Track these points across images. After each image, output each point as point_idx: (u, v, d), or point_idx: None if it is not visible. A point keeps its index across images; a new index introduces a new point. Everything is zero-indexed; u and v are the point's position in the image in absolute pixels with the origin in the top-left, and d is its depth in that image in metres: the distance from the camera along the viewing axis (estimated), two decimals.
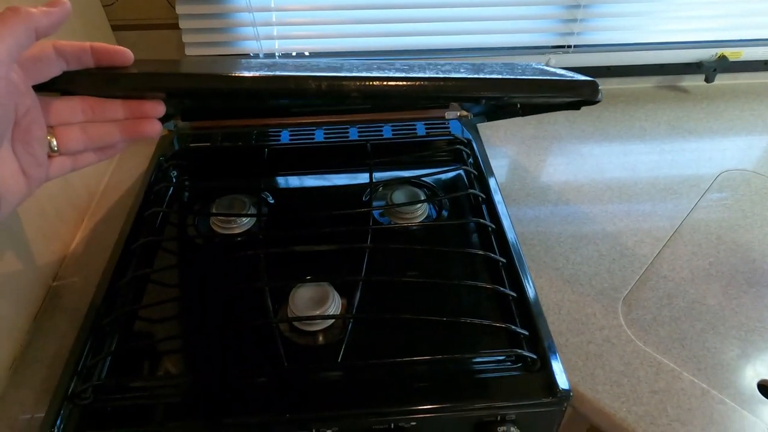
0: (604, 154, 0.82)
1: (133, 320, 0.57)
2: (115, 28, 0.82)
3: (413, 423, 0.52)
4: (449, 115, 0.81)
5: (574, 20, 0.85)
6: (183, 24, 0.79)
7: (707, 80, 0.93)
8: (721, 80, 0.96)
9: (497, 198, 0.70)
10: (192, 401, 0.49)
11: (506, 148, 0.84)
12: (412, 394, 0.51)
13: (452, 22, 0.84)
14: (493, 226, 0.66)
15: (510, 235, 0.65)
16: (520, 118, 0.89)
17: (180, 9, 0.78)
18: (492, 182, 0.73)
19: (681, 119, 0.89)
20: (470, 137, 0.82)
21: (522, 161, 0.81)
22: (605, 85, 0.96)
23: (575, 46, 0.88)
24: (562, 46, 0.88)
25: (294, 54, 0.86)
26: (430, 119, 0.86)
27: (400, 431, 0.52)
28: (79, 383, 0.50)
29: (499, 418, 0.53)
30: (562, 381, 0.52)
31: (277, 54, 0.84)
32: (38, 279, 0.60)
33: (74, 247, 0.67)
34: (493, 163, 0.79)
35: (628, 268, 0.65)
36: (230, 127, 0.83)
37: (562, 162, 0.81)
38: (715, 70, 0.90)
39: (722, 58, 0.90)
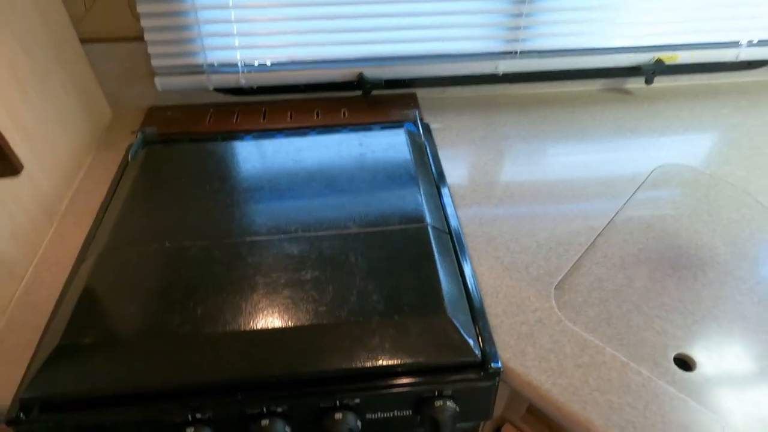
0: (547, 153, 0.88)
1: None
2: (84, 41, 0.86)
3: (357, 401, 0.57)
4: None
5: (518, 28, 0.90)
6: (148, 37, 0.84)
7: (647, 82, 0.99)
8: (663, 82, 1.02)
9: (445, 192, 0.75)
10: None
11: (457, 149, 0.89)
12: (356, 374, 0.55)
13: (405, 30, 0.89)
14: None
15: (453, 222, 0.70)
16: (470, 120, 0.94)
17: (144, 23, 0.82)
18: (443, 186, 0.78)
19: (622, 119, 0.95)
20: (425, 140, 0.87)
21: (471, 160, 0.86)
22: (551, 88, 1.02)
23: (521, 53, 0.93)
24: (509, 53, 0.94)
25: (256, 63, 0.90)
26: (387, 122, 0.91)
27: (346, 408, 0.57)
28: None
29: (436, 393, 0.57)
30: (495, 357, 0.57)
31: (239, 64, 0.89)
32: (9, 278, 0.64)
33: (45, 246, 0.71)
34: (445, 162, 0.85)
35: (564, 256, 0.70)
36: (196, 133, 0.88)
37: (508, 161, 0.86)
38: (653, 72, 0.97)
39: (659, 62, 0.96)
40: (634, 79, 1.02)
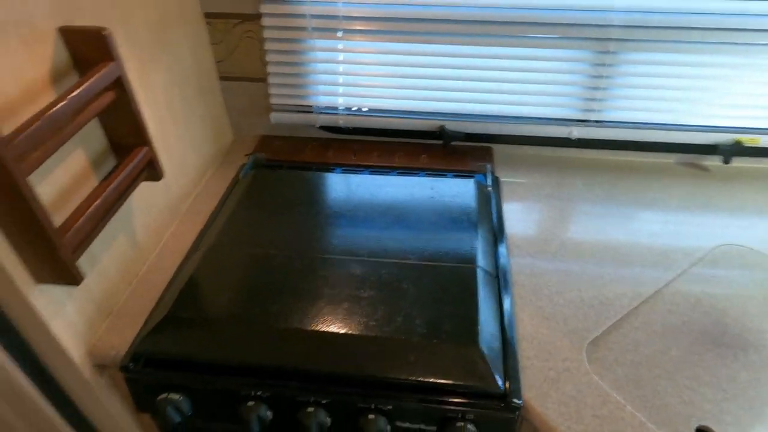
0: (609, 217, 0.92)
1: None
2: (222, 78, 1.06)
3: (389, 407, 0.65)
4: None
5: (594, 99, 0.97)
6: (271, 80, 1.02)
7: (725, 162, 1.00)
8: (742, 163, 1.03)
9: (502, 240, 0.83)
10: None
11: (523, 203, 0.96)
12: (392, 383, 0.64)
13: (486, 93, 0.99)
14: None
15: (503, 268, 0.78)
16: (541, 177, 1.01)
17: (270, 68, 1.00)
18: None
19: (694, 195, 0.97)
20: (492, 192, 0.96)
21: (534, 215, 0.93)
22: (624, 157, 1.06)
23: (596, 121, 1.00)
24: (585, 120, 1.00)
25: (354, 108, 1.05)
26: (460, 171, 1.01)
27: (379, 411, 0.66)
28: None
29: (459, 415, 0.64)
30: (518, 393, 0.64)
31: (340, 107, 1.04)
32: (139, 258, 0.82)
33: (166, 238, 0.89)
34: (508, 214, 0.92)
35: (604, 315, 0.75)
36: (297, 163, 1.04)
37: (570, 220, 0.92)
38: (731, 153, 0.98)
39: (738, 143, 0.97)
40: (711, 157, 1.04)
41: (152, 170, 0.75)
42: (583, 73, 0.95)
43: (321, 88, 1.02)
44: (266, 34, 0.96)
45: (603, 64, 0.93)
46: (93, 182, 0.70)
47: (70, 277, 0.60)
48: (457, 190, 0.94)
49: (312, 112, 1.06)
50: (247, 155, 1.07)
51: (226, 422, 0.71)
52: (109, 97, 0.65)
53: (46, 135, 0.55)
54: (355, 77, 1.00)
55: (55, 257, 0.58)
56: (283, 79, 1.02)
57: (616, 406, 0.63)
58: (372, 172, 1.01)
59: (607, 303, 0.76)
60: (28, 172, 0.53)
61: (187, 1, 0.92)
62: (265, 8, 0.93)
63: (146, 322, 0.73)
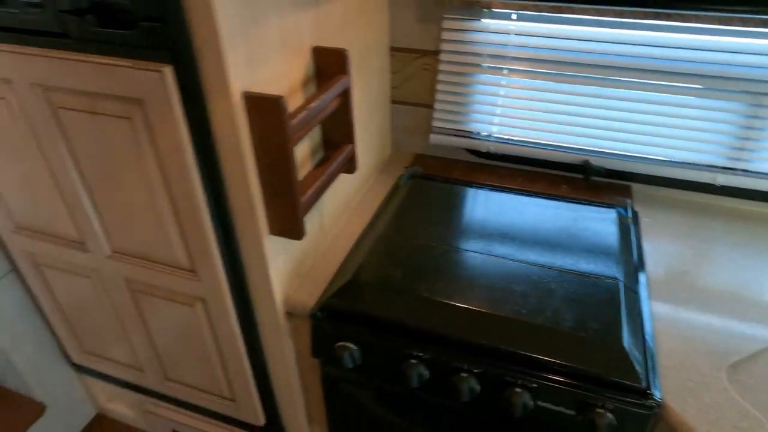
0: (750, 261, 0.95)
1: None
2: (393, 101, 1.25)
3: (534, 385, 0.74)
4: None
5: (743, 149, 1.02)
6: (437, 106, 1.19)
7: None
8: None
9: (641, 266, 0.90)
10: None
11: (660, 241, 1.02)
12: (539, 363, 0.73)
13: (631, 134, 1.08)
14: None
15: (643, 286, 0.85)
16: (679, 219, 1.07)
17: (438, 96, 1.17)
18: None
19: None
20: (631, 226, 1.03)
21: (673, 253, 0.98)
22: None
23: (743, 170, 1.04)
24: (731, 168, 1.05)
25: (504, 137, 1.18)
26: (598, 201, 1.10)
27: (524, 387, 0.75)
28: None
29: (600, 404, 0.72)
30: (657, 392, 0.70)
31: (492, 135, 1.18)
32: (323, 236, 0.99)
33: (342, 223, 1.06)
34: (646, 244, 0.99)
35: (744, 345, 0.78)
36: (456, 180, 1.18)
37: (708, 259, 0.96)
38: None
39: None
40: None
41: (351, 164, 0.93)
42: (734, 123, 1.01)
43: (479, 116, 1.17)
44: (441, 67, 1.13)
45: (756, 116, 0.99)
46: (307, 167, 0.89)
47: (297, 232, 0.78)
48: (598, 216, 1.03)
49: (467, 137, 1.20)
50: (405, 167, 1.24)
51: (387, 374, 0.84)
52: (337, 102, 0.84)
53: (305, 121, 0.74)
54: (511, 110, 1.14)
55: (292, 214, 0.76)
56: (447, 106, 1.18)
57: (757, 422, 0.67)
58: (515, 193, 1.13)
59: (748, 335, 0.80)
60: (294, 144, 0.71)
61: (382, 37, 1.12)
62: (445, 46, 1.10)
63: (331, 284, 0.89)
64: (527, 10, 1.02)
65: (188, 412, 1.22)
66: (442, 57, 1.13)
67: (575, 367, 0.72)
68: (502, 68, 1.10)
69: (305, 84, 0.82)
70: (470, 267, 0.88)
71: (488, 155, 1.24)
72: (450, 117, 1.20)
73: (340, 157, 0.88)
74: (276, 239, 0.82)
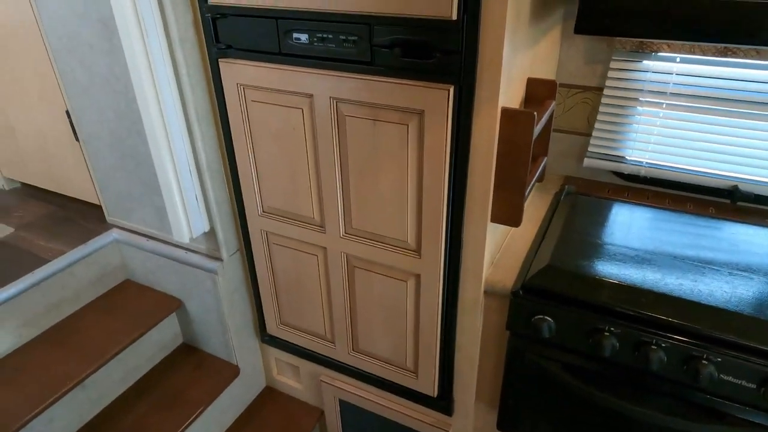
0: None
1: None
2: (553, 129, 1.45)
3: (719, 359, 0.89)
4: None
5: None
6: (595, 133, 1.38)
7: None
8: None
9: None
10: None
11: None
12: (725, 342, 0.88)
13: None
14: None
15: None
16: None
17: (597, 125, 1.37)
18: None
19: None
20: None
21: None
22: None
23: None
24: None
25: (654, 162, 1.35)
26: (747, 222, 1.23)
27: (710, 361, 0.89)
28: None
29: None
30: None
31: (644, 161, 1.35)
32: (504, 231, 1.19)
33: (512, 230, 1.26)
34: None
35: None
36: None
37: None
38: None
39: None
40: None
41: (542, 173, 1.13)
42: None
43: (633, 143, 1.35)
44: (604, 101, 1.33)
45: None
46: None
47: (517, 220, 0.98)
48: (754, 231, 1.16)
49: (620, 161, 1.38)
50: (561, 185, 1.43)
51: (580, 345, 1.00)
52: (545, 121, 1.05)
53: (537, 132, 0.95)
54: (665, 138, 1.31)
55: (517, 205, 0.96)
56: (604, 134, 1.37)
57: None
58: (670, 211, 1.28)
59: None
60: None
61: (552, 73, 1.34)
62: (610, 83, 1.30)
63: (523, 269, 1.08)
64: (692, 54, 1.20)
65: (361, 383, 1.41)
66: (606, 92, 1.32)
67: (758, 348, 0.86)
68: (661, 103, 1.28)
69: (521, 105, 1.04)
70: (646, 259, 1.05)
71: (635, 178, 1.40)
72: (605, 143, 1.38)
73: (541, 165, 1.08)
74: (491, 227, 1.02)
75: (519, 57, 0.93)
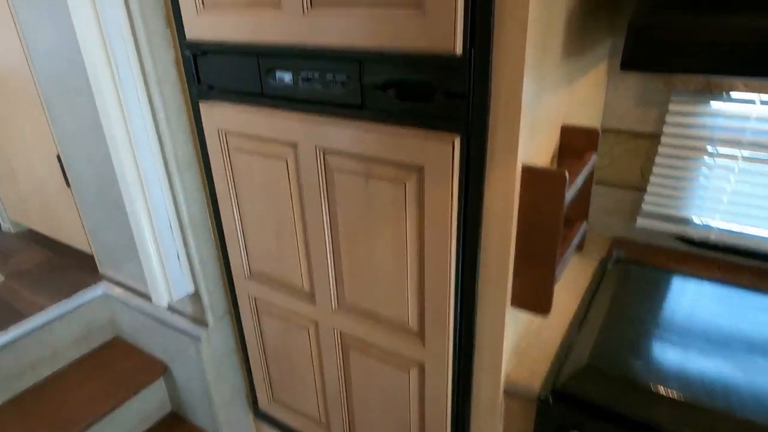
0: None
1: None
2: (596, 182, 1.23)
3: None
4: None
5: None
6: (650, 189, 1.14)
7: None
8: None
9: None
10: None
11: None
12: None
13: None
14: None
15: None
16: None
17: (653, 179, 1.13)
18: None
19: None
20: None
21: None
22: None
23: None
24: None
25: (725, 227, 1.09)
26: None
27: None
28: None
29: None
30: None
31: (715, 225, 1.10)
32: (529, 322, 0.96)
33: None
34: None
35: None
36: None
37: None
38: None
39: None
40: None
41: (582, 242, 0.90)
42: None
43: (700, 203, 1.10)
44: (662, 150, 1.10)
45: None
46: None
47: (545, 306, 0.76)
48: None
49: (682, 223, 1.13)
50: (608, 250, 1.18)
51: None
52: (583, 178, 0.84)
53: (571, 196, 0.74)
54: (743, 197, 1.05)
55: (544, 287, 0.74)
56: (662, 190, 1.13)
57: None
58: (749, 290, 1.01)
59: None
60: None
61: (596, 117, 1.12)
62: (669, 129, 1.07)
63: (555, 366, 0.85)
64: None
65: None
66: (664, 140, 1.09)
67: None
68: (736, 154, 1.03)
69: (552, 160, 0.84)
70: (720, 359, 0.79)
71: (702, 244, 1.15)
72: (664, 201, 1.14)
73: (579, 232, 0.86)
74: (512, 312, 0.81)
75: (547, 100, 0.73)
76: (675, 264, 1.13)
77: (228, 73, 0.89)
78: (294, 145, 0.85)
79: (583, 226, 0.88)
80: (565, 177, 0.66)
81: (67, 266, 1.47)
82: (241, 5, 0.79)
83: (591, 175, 0.85)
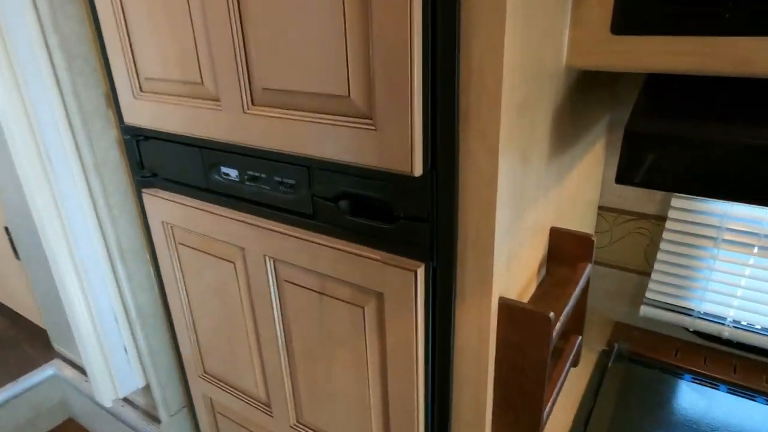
0: None
1: None
2: (595, 262, 1.11)
3: None
4: None
5: None
6: (655, 276, 1.02)
7: None
8: None
9: None
10: None
11: None
12: None
13: None
14: None
15: None
16: None
17: (658, 266, 1.01)
18: None
19: None
20: None
21: None
22: None
23: None
24: None
25: (744, 322, 0.97)
26: None
27: None
28: None
29: None
30: None
31: (729, 319, 0.97)
32: None
33: None
34: None
35: None
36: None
37: None
38: None
39: None
40: None
41: (577, 357, 0.78)
42: None
43: (711, 295, 0.98)
44: (667, 236, 0.98)
45: None
46: None
47: None
48: None
49: (692, 315, 1.01)
50: (610, 342, 1.06)
51: None
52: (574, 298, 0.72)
53: (560, 330, 0.62)
54: (759, 293, 0.93)
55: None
56: (669, 278, 1.01)
57: None
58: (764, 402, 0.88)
59: None
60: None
61: (593, 196, 1.01)
62: (675, 214, 0.96)
63: None
64: None
65: None
66: (669, 225, 0.97)
67: None
68: (751, 245, 0.91)
69: (540, 269, 0.72)
70: None
71: (717, 339, 1.02)
72: (671, 291, 1.02)
73: (572, 353, 0.74)
74: None
75: (531, 214, 0.62)
76: (685, 361, 1.00)
77: (172, 162, 0.78)
78: (242, 250, 0.74)
79: (578, 342, 0.76)
80: (549, 319, 0.55)
81: (19, 340, 1.36)
82: (180, 95, 0.69)
83: (586, 287, 0.73)
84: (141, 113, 0.75)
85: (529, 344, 0.56)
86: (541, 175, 0.63)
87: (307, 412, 0.81)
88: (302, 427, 0.83)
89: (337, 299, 0.66)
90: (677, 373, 0.96)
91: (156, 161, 0.81)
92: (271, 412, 0.86)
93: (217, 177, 0.73)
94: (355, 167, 0.56)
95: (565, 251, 0.73)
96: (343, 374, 0.71)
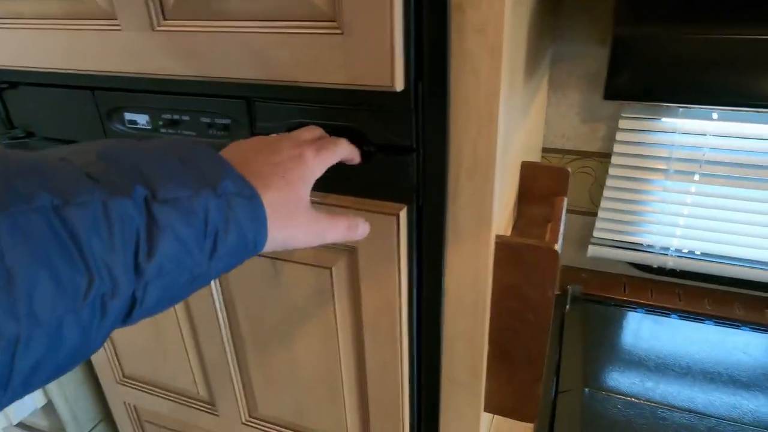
0: None
1: None
2: None
3: None
4: None
5: None
6: (602, 214, 1.01)
7: None
8: None
9: None
10: None
11: None
12: None
13: None
14: None
15: None
16: None
17: (604, 203, 1.00)
18: None
19: None
20: None
21: None
22: None
23: None
24: None
25: (685, 250, 0.99)
26: None
27: None
28: None
29: None
30: None
31: (672, 249, 0.99)
32: None
33: None
34: None
35: None
36: None
37: None
38: None
39: None
40: None
41: None
42: None
43: (656, 227, 0.99)
44: (612, 171, 0.97)
45: None
46: None
47: (530, 412, 0.57)
48: None
49: (638, 250, 1.01)
50: (564, 285, 1.04)
51: None
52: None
53: None
54: (700, 220, 0.95)
55: (530, 388, 0.56)
56: (615, 215, 1.00)
57: None
58: (716, 324, 0.91)
59: None
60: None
61: (538, 139, 0.97)
62: (620, 148, 0.94)
63: None
64: (734, 108, 0.86)
65: None
66: (615, 160, 0.96)
67: None
68: (692, 173, 0.92)
69: (514, 208, 0.65)
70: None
71: (660, 271, 1.04)
72: (617, 227, 1.01)
73: None
74: (486, 418, 0.61)
75: (514, 139, 0.55)
76: (634, 296, 1.01)
77: (53, 115, 0.60)
78: None
79: None
80: (557, 253, 0.48)
81: None
82: (55, 17, 0.51)
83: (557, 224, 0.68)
84: (1, 48, 0.56)
85: (533, 285, 0.49)
86: (519, 99, 0.55)
87: (262, 405, 0.69)
88: (257, 421, 0.71)
89: (295, 262, 0.54)
90: (631, 307, 0.97)
91: (30, 116, 0.62)
92: (217, 411, 0.73)
93: (120, 127, 0.57)
94: (314, 89, 0.44)
95: (536, 188, 0.67)
96: (306, 354, 0.60)
